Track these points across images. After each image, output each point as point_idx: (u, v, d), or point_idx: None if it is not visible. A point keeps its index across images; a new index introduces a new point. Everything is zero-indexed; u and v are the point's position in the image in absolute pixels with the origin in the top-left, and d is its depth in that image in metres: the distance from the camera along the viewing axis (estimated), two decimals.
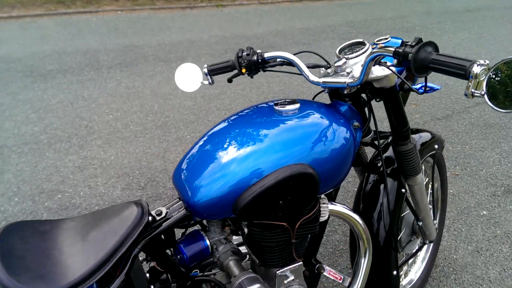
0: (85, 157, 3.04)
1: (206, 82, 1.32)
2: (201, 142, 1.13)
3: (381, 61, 1.04)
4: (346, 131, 1.12)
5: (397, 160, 1.36)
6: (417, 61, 0.87)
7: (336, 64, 1.13)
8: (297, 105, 1.10)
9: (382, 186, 1.38)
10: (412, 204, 1.51)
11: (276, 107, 1.11)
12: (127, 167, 2.93)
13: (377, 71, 1.09)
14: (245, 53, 1.26)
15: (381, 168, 1.39)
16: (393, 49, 0.93)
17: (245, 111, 1.20)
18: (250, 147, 1.02)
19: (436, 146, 1.61)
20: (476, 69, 0.81)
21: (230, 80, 1.36)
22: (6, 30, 5.69)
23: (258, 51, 1.28)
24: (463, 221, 2.40)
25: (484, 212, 2.48)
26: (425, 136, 1.57)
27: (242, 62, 1.26)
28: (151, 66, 4.76)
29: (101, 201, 2.59)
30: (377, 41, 1.21)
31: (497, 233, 2.30)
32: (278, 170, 0.99)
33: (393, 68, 1.03)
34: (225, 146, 1.05)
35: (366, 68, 1.01)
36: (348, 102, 1.22)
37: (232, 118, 1.18)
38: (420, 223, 1.54)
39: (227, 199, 0.99)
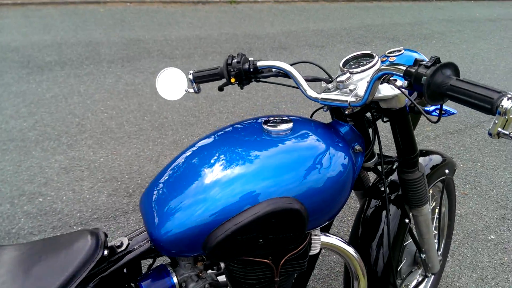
0: (72, 158, 2.84)
1: (191, 90, 1.18)
2: (176, 162, 0.99)
3: (391, 78, 0.89)
4: (345, 156, 0.99)
5: (402, 188, 1.25)
6: (431, 86, 0.73)
7: (338, 79, 0.98)
8: (290, 125, 0.97)
9: (384, 213, 1.27)
10: (416, 235, 1.40)
11: (265, 126, 0.97)
12: (116, 171, 2.73)
13: (385, 90, 0.96)
14: (235, 60, 1.11)
15: (384, 194, 1.28)
16: (403, 68, 0.79)
17: (231, 128, 1.06)
18: (228, 174, 0.88)
19: (446, 171, 1.48)
20: (506, 103, 0.66)
21: (221, 89, 1.22)
22: (9, 17, 5.52)
23: (250, 58, 1.13)
24: (469, 246, 2.29)
25: (492, 237, 2.36)
26: (435, 159, 1.46)
27: (232, 70, 1.11)
28: (155, 63, 4.56)
29: (84, 207, 2.40)
30: (388, 53, 1.10)
31: (504, 260, 2.19)
32: (258, 205, 0.85)
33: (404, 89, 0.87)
34: (201, 170, 0.91)
35: (371, 87, 0.88)
36: (350, 122, 1.09)
37: (214, 136, 1.04)
38: (423, 256, 1.45)
39: (196, 236, 0.86)
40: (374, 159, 1.18)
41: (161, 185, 0.95)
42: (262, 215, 0.84)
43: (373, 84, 0.88)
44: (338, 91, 1.00)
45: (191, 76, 1.16)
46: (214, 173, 0.89)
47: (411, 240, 1.44)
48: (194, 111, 3.61)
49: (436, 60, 0.74)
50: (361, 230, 1.31)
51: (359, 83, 0.97)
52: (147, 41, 5.20)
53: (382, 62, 1.06)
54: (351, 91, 0.96)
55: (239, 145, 0.96)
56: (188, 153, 1.00)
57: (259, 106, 3.81)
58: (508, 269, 2.14)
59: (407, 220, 1.28)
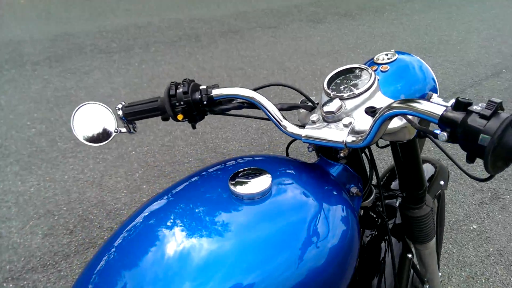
0: None
1: (123, 130, 0.92)
2: (119, 239, 0.70)
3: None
4: (343, 207, 0.76)
5: (406, 224, 1.08)
6: (499, 150, 0.51)
7: (325, 108, 0.74)
8: (267, 182, 0.69)
9: (383, 244, 1.10)
10: (418, 267, 1.27)
11: (232, 187, 0.69)
12: (51, 202, 2.31)
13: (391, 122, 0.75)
14: (180, 89, 0.84)
15: (379, 221, 1.10)
16: (438, 113, 0.57)
17: (190, 187, 0.78)
18: (199, 261, 0.61)
19: (442, 183, 1.29)
20: None
21: (165, 119, 0.93)
22: None
23: (201, 86, 0.86)
24: (453, 240, 2.18)
25: (474, 226, 2.27)
26: (429, 171, 1.28)
27: (177, 104, 0.84)
28: (88, 60, 4.07)
29: (15, 255, 1.98)
30: (377, 59, 0.90)
31: (490, 251, 2.11)
32: None
33: (415, 120, 0.67)
34: (159, 256, 0.63)
35: (377, 129, 0.66)
36: (342, 160, 0.88)
37: (167, 199, 0.75)
38: (427, 286, 1.30)
39: None
40: (372, 197, 0.99)
41: (100, 274, 0.66)
42: None
43: (379, 126, 0.65)
44: (327, 124, 0.75)
45: (120, 113, 0.88)
46: (179, 259, 0.61)
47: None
48: None
49: (498, 106, 0.51)
50: (358, 261, 1.12)
51: (354, 113, 0.74)
52: (78, 35, 4.68)
53: (374, 71, 0.85)
54: (346, 126, 0.72)
55: (205, 215, 0.68)
56: (136, 224, 0.71)
57: None
58: (495, 261, 2.04)
59: (410, 255, 1.14)
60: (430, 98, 0.82)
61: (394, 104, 0.62)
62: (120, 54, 4.22)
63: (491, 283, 1.92)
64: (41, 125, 3.03)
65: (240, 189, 0.68)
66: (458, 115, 0.54)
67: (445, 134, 0.56)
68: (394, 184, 1.25)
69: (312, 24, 5.51)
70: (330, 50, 4.57)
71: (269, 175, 0.71)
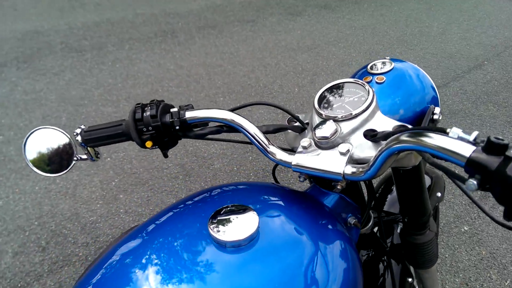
0: None
1: (84, 157, 0.81)
2: (92, 281, 0.61)
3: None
4: (341, 243, 0.68)
5: (407, 250, 0.99)
6: None
7: (318, 133, 0.66)
8: (254, 226, 0.58)
9: (380, 266, 1.03)
10: None
11: (213, 232, 0.58)
12: (21, 217, 2.18)
13: None
14: (148, 112, 0.73)
15: (378, 244, 1.03)
16: (465, 155, 0.46)
17: (162, 231, 0.66)
18: None
19: (438, 194, 1.20)
20: None
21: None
22: None
23: (173, 109, 0.76)
24: (445, 243, 2.12)
25: (466, 228, 2.22)
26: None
27: (145, 130, 0.74)
28: (59, 60, 3.86)
29: None
30: (371, 68, 0.80)
31: (483, 254, 2.06)
32: None
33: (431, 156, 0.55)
34: None
35: (382, 163, 0.57)
36: (337, 189, 0.75)
37: (140, 242, 0.64)
38: None
39: None
40: (370, 224, 0.92)
41: None
42: None
43: (385, 160, 0.57)
44: (320, 151, 0.66)
45: (79, 138, 0.77)
46: None
47: None
48: (115, 118, 3.02)
49: None
50: None
51: (352, 137, 0.65)
52: (46, 33, 4.43)
53: (369, 82, 0.77)
54: (343, 154, 0.63)
55: (184, 267, 0.57)
56: (112, 263, 0.61)
57: (192, 103, 3.30)
58: (489, 265, 2.00)
59: (410, 280, 1.08)
60: (433, 112, 0.73)
61: (404, 138, 0.53)
62: (92, 52, 4.02)
63: None
64: (9, 132, 2.85)
65: (222, 235, 0.57)
66: (491, 160, 0.44)
67: (475, 182, 0.45)
68: (390, 198, 1.17)
69: (292, 17, 5.40)
70: (311, 44, 4.47)
71: (255, 214, 0.60)
